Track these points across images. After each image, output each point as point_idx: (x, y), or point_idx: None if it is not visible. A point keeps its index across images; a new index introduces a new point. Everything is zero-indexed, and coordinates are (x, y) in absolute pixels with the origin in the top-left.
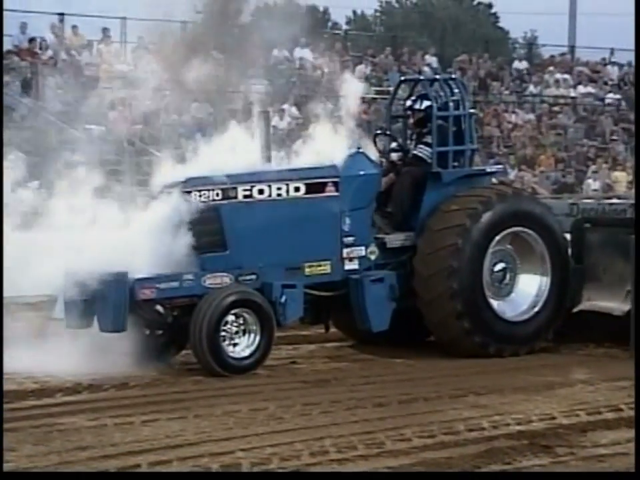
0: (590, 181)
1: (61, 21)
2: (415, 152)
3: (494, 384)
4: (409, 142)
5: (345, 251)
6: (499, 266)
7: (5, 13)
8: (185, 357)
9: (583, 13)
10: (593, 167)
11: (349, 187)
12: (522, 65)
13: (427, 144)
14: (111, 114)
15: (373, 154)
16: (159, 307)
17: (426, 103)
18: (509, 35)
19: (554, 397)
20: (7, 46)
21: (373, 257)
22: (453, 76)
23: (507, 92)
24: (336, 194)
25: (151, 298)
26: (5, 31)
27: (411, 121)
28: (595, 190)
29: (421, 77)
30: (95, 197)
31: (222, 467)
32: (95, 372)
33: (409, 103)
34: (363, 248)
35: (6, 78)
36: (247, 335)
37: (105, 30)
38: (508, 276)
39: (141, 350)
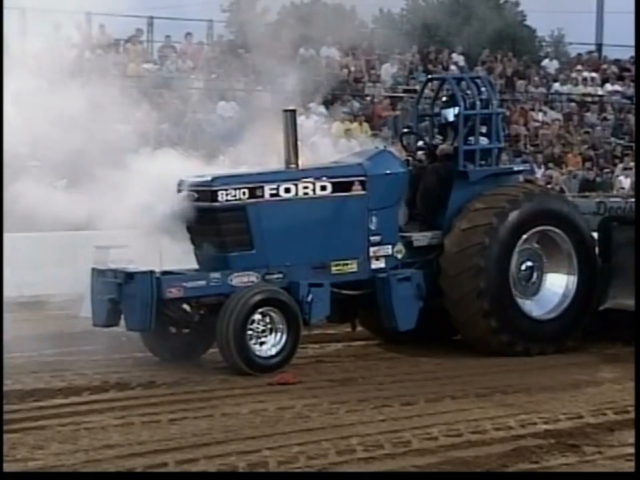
0: (622, 178)
1: (88, 20)
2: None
3: (521, 383)
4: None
5: (372, 249)
6: (526, 265)
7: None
8: (212, 355)
9: (610, 11)
10: (620, 165)
11: (375, 185)
12: (552, 64)
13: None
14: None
15: (400, 152)
16: (185, 306)
17: (454, 112)
18: (536, 33)
19: (581, 396)
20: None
21: (399, 256)
22: (480, 74)
23: (534, 90)
24: (363, 192)
25: (177, 296)
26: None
27: (435, 127)
28: (623, 188)
29: (448, 76)
30: (122, 196)
31: (249, 465)
32: (122, 370)
33: (436, 110)
34: (390, 246)
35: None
36: (273, 334)
37: (138, 30)
38: (535, 275)
39: (167, 348)
